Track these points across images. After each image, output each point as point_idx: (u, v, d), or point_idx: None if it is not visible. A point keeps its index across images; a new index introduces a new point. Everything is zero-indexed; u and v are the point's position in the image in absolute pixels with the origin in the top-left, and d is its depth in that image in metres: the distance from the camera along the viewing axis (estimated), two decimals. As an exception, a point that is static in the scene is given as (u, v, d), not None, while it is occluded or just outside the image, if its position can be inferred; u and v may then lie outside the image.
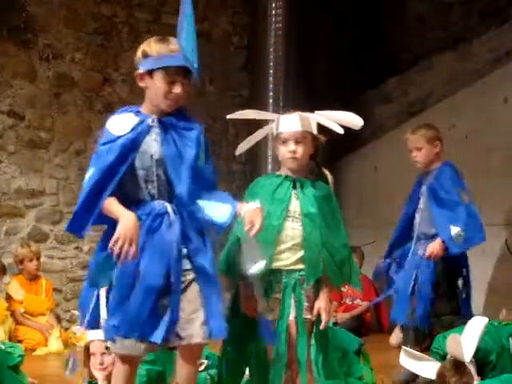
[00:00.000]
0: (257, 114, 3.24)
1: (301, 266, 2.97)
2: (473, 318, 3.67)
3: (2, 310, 5.79)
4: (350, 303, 6.89)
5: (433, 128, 4.82)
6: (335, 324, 5.95)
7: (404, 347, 3.82)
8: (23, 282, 6.09)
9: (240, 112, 3.16)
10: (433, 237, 4.48)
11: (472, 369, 3.51)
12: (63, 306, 6.64)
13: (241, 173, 7.83)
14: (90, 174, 2.74)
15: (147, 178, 2.73)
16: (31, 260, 6.08)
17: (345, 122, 3.07)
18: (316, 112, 3.07)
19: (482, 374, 3.62)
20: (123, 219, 2.62)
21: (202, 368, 3.71)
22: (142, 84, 2.89)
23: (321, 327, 2.96)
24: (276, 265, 2.96)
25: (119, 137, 2.74)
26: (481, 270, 6.16)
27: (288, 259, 2.96)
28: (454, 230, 4.36)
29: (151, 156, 2.74)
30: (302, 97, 6.38)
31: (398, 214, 7.09)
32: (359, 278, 3.26)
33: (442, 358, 3.70)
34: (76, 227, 2.80)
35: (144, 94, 2.90)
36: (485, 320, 3.61)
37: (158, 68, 2.83)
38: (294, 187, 3.02)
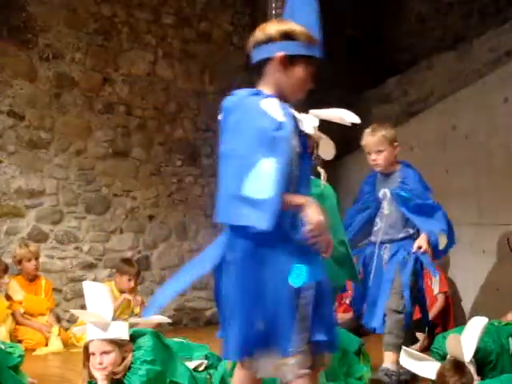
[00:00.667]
0: None
1: None
2: (473, 318, 3.67)
3: (3, 309, 5.79)
4: (349, 303, 6.89)
5: (390, 127, 4.54)
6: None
7: (404, 347, 3.82)
8: (22, 282, 6.09)
9: None
10: (400, 240, 4.35)
11: (472, 369, 3.51)
12: (63, 306, 6.63)
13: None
14: (276, 161, 2.25)
15: (292, 173, 2.40)
16: (30, 260, 6.08)
17: (340, 120, 3.05)
18: (310, 111, 3.05)
19: (481, 373, 3.62)
20: (312, 206, 2.30)
21: (202, 368, 3.71)
22: (277, 67, 2.47)
23: None
24: None
25: (282, 123, 2.37)
26: (481, 270, 6.17)
27: None
28: (442, 236, 4.28)
29: (294, 149, 2.42)
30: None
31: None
32: (358, 273, 3.25)
33: (442, 358, 3.71)
34: (271, 221, 2.20)
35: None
36: (485, 320, 3.61)
37: (305, 56, 2.47)
38: None
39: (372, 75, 7.84)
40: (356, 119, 3.03)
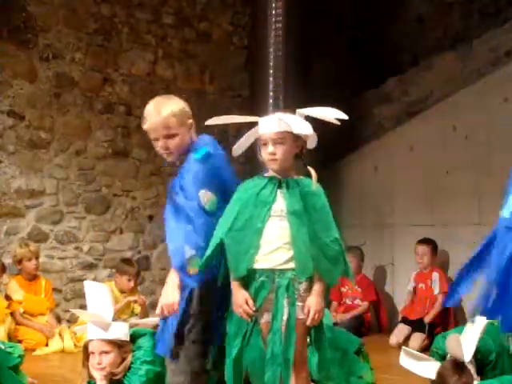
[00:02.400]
0: (236, 118, 3.20)
1: (293, 265, 2.95)
2: (473, 318, 3.67)
3: (2, 309, 5.79)
4: (350, 303, 6.89)
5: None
6: (335, 324, 5.94)
7: (404, 347, 3.82)
8: (22, 282, 6.09)
9: (218, 117, 3.13)
10: None
11: (472, 369, 3.51)
12: (63, 306, 6.63)
13: (240, 173, 7.83)
14: None
15: None
16: (30, 260, 6.08)
17: (327, 117, 3.04)
18: (297, 110, 3.04)
19: (481, 373, 3.62)
20: None
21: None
22: None
23: (307, 323, 2.93)
24: (268, 265, 2.95)
25: None
26: (481, 270, 6.16)
27: (279, 259, 2.95)
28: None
29: None
30: (302, 97, 6.37)
31: (398, 214, 7.13)
32: (352, 271, 3.24)
33: (442, 358, 3.71)
34: None
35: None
36: (485, 320, 3.61)
37: None
38: (280, 187, 3.01)
39: (372, 75, 7.84)
40: (343, 115, 3.02)
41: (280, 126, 2.97)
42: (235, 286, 2.97)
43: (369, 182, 7.47)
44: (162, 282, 8.21)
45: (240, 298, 2.95)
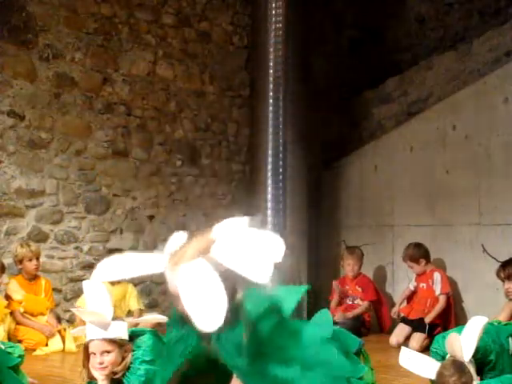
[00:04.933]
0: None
1: None
2: (472, 318, 3.67)
3: (2, 309, 5.79)
4: (350, 303, 6.89)
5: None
6: (335, 324, 5.94)
7: (404, 347, 3.82)
8: (22, 282, 6.09)
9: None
10: None
11: (471, 368, 3.51)
12: (63, 306, 6.64)
13: (240, 173, 7.83)
14: None
15: None
16: (30, 260, 6.08)
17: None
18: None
19: (481, 373, 3.62)
20: None
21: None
22: None
23: None
24: None
25: None
26: (481, 270, 6.17)
27: None
28: None
29: None
30: (302, 97, 6.38)
31: (399, 214, 7.13)
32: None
33: (442, 358, 3.71)
34: None
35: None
36: (484, 320, 3.61)
37: None
38: None
39: (372, 75, 7.84)
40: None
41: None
42: None
43: (369, 182, 7.47)
44: (161, 282, 8.22)
45: None
